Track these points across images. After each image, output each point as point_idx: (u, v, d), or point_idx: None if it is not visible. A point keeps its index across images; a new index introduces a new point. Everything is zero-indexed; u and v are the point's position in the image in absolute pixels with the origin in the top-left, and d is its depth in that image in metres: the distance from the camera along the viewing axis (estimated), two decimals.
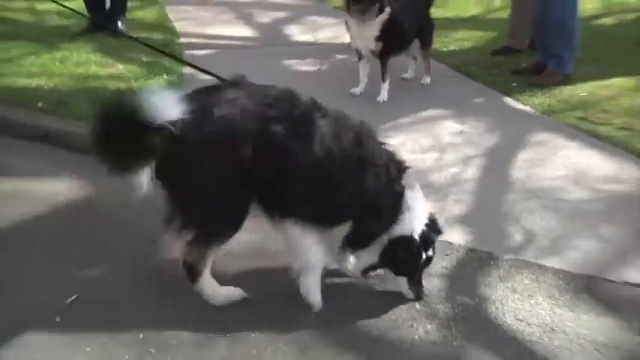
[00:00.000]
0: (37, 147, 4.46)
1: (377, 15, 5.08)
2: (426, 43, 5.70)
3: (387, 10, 5.12)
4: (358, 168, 2.72)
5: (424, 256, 2.82)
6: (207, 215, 2.72)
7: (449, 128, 4.73)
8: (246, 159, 2.60)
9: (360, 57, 5.44)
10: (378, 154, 2.81)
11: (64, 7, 3.13)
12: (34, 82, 5.37)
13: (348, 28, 5.36)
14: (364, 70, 5.47)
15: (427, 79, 5.75)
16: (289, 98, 2.78)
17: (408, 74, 5.88)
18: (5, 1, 8.33)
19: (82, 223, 3.48)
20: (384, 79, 5.32)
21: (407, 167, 2.87)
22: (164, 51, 3.07)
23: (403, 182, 2.80)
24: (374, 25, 5.12)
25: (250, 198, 2.71)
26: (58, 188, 3.85)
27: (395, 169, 2.82)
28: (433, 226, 2.87)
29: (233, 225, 2.75)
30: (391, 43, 5.28)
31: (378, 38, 5.17)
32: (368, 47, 5.28)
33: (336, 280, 3.03)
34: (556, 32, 5.56)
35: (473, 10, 8.68)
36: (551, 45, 5.66)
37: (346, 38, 5.65)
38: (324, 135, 2.69)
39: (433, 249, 2.87)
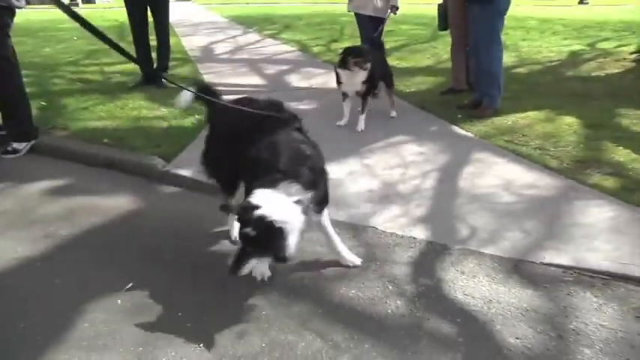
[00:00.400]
0: (104, 172, 4.45)
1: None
2: (389, 85, 5.73)
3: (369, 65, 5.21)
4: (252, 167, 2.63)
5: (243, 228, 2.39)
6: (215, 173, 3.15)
7: (411, 150, 4.70)
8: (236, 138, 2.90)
9: (345, 97, 5.44)
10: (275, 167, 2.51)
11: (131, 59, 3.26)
12: (101, 124, 5.35)
13: (338, 77, 5.35)
14: (347, 107, 5.46)
15: (394, 113, 5.72)
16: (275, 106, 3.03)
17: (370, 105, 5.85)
18: (85, 66, 8.36)
19: (137, 230, 3.46)
20: (362, 112, 5.32)
21: (280, 179, 2.47)
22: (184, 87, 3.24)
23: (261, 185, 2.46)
24: (363, 74, 5.16)
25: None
26: (120, 203, 3.83)
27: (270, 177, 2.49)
28: (268, 226, 2.34)
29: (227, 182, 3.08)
30: (371, 85, 5.34)
31: (364, 82, 5.22)
32: (355, 90, 5.30)
33: (330, 268, 3.01)
34: (487, 78, 5.61)
35: (426, 62, 8.72)
36: (484, 87, 5.69)
37: (333, 84, 5.61)
38: (266, 136, 2.72)
39: (252, 235, 2.35)
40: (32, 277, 2.94)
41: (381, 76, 5.56)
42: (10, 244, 3.27)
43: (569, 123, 5.25)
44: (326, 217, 2.92)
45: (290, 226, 2.38)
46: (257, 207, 2.36)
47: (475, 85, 6.12)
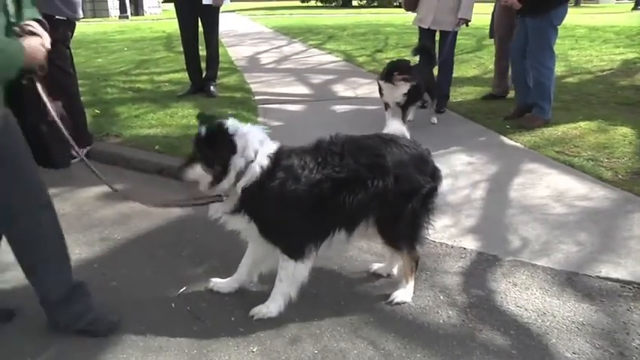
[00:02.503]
0: (155, 178, 4.55)
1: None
2: (434, 95, 5.76)
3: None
4: None
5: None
6: None
7: (460, 160, 4.66)
8: None
9: (387, 107, 5.45)
10: None
11: None
12: (152, 131, 5.49)
13: (381, 88, 5.38)
14: (389, 116, 5.40)
15: (434, 119, 5.78)
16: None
17: (411, 117, 5.68)
18: (136, 76, 8.60)
19: (189, 234, 3.52)
20: (403, 122, 5.24)
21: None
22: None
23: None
24: (403, 88, 5.15)
25: None
26: (171, 208, 3.89)
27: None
28: (220, 128, 2.45)
29: None
30: (412, 98, 5.31)
31: (405, 95, 5.21)
32: (395, 101, 5.30)
33: (379, 279, 3.01)
34: (538, 89, 5.50)
35: (473, 72, 8.63)
36: (534, 97, 5.58)
37: (377, 94, 5.62)
38: None
39: (201, 136, 2.47)
40: (90, 279, 3.00)
41: (426, 88, 5.55)
42: (69, 247, 3.37)
43: (623, 133, 5.12)
44: (284, 267, 2.63)
45: (243, 140, 2.42)
46: (225, 120, 2.46)
47: (517, 92, 6.02)
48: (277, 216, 2.51)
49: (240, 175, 2.44)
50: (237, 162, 2.42)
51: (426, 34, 6.10)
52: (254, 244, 2.75)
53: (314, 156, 2.54)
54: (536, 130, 5.33)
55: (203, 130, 2.45)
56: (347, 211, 2.55)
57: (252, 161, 2.44)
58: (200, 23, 6.91)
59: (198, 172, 2.49)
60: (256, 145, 2.47)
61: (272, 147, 2.54)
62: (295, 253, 2.58)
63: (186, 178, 2.53)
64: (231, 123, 2.46)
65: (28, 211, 2.36)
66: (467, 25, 6.08)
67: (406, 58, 5.88)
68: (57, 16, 4.54)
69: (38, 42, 2.19)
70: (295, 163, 2.49)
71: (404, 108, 5.33)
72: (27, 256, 2.44)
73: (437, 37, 6.13)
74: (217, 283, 2.88)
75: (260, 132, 2.55)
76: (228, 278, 2.87)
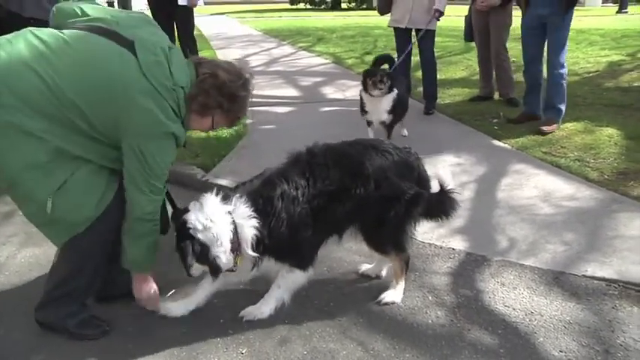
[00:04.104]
0: None
1: (388, 92, 4.85)
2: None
3: (395, 90, 4.91)
4: None
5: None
6: None
7: (449, 161, 4.67)
8: None
9: (369, 124, 5.16)
10: None
11: None
12: None
13: (363, 104, 5.08)
14: (371, 134, 5.12)
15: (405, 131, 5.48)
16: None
17: (405, 132, 5.47)
18: None
19: None
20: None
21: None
22: None
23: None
24: (386, 100, 4.88)
25: None
26: None
27: None
28: (183, 230, 2.38)
29: None
30: (397, 115, 5.08)
31: (389, 112, 4.94)
32: (380, 119, 5.00)
33: (368, 280, 3.03)
34: (556, 89, 5.41)
35: (461, 73, 8.69)
36: (553, 99, 5.44)
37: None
38: None
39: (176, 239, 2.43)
40: None
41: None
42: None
43: (609, 134, 5.17)
44: (286, 277, 2.66)
45: (209, 234, 2.32)
46: (185, 211, 2.41)
47: (529, 97, 5.81)
48: (291, 241, 2.49)
49: (236, 249, 2.38)
50: (220, 250, 2.34)
51: (402, 34, 6.00)
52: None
53: (301, 172, 2.52)
54: (524, 131, 5.36)
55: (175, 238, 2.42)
56: (338, 219, 2.61)
57: (235, 231, 2.37)
58: (175, 26, 6.82)
59: (200, 268, 2.46)
60: (225, 219, 2.36)
61: (243, 200, 2.42)
62: (304, 264, 2.61)
63: (195, 275, 2.51)
64: (192, 218, 2.35)
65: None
66: (438, 19, 5.79)
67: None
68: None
69: None
70: (285, 188, 2.45)
71: (389, 128, 5.06)
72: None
73: (414, 40, 6.01)
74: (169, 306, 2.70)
75: (216, 201, 2.41)
76: (182, 300, 2.74)
